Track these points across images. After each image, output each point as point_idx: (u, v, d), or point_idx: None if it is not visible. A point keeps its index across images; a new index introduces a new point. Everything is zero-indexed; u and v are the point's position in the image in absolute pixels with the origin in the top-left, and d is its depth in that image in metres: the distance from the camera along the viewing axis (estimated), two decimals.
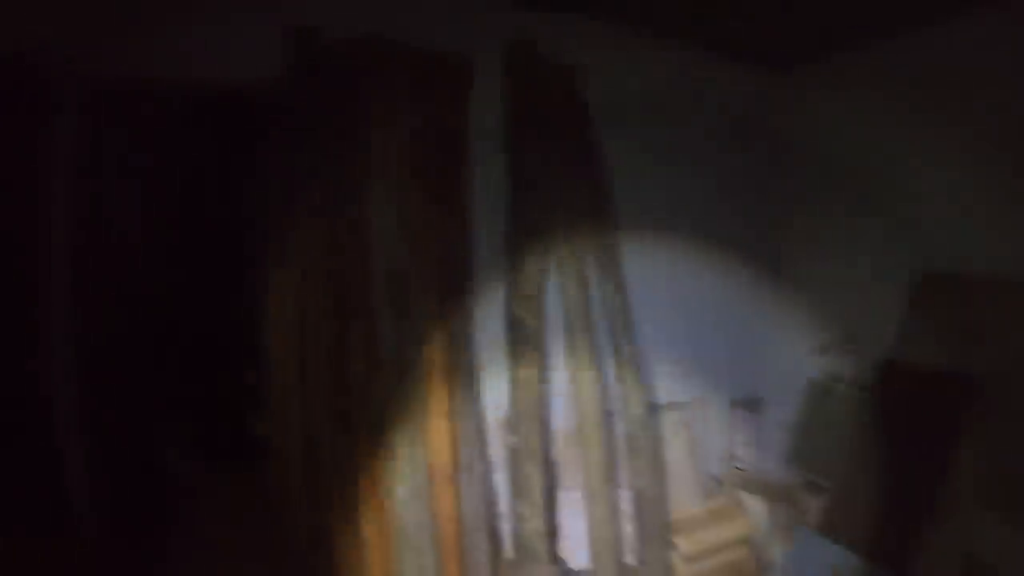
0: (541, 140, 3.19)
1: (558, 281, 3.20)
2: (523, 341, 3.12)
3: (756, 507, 3.62)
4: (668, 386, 3.65)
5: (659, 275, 3.68)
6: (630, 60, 3.58)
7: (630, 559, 3.26)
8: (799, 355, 3.98)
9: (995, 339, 3.05)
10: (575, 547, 3.22)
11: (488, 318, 3.11)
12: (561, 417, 3.24)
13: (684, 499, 3.56)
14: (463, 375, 2.98)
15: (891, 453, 3.15)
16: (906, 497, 3.01)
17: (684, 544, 3.32)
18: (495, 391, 3.10)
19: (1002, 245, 3.15)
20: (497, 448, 3.10)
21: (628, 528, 3.29)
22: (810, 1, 3.13)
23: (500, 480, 3.14)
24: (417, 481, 2.80)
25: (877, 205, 3.68)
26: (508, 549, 3.13)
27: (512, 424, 3.11)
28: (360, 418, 2.84)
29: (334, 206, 2.87)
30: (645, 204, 3.61)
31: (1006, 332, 3.03)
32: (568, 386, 3.22)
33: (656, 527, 3.29)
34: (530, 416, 3.11)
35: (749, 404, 4.02)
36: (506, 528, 3.14)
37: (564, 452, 3.23)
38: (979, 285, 3.18)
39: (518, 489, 3.11)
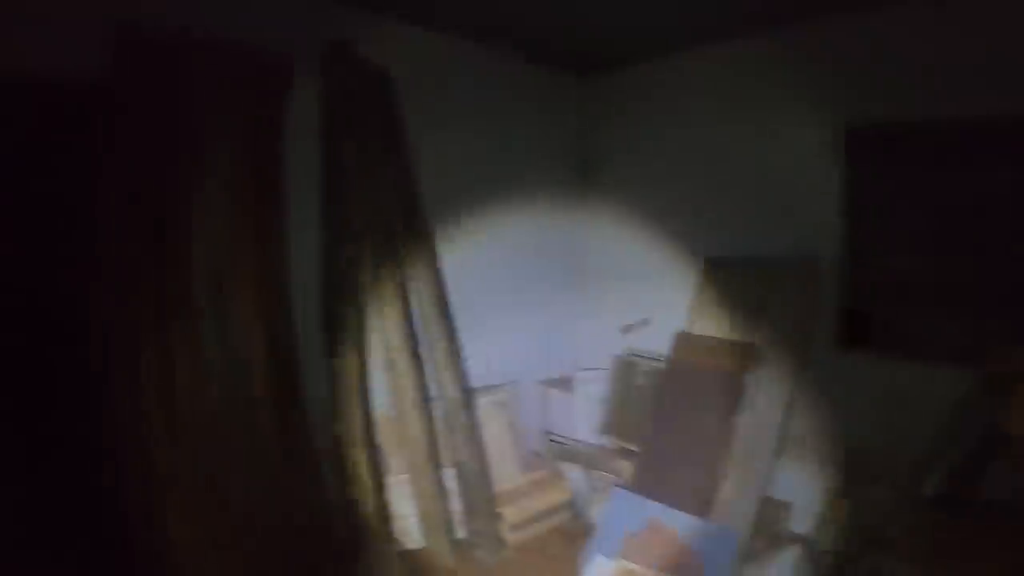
0: (355, 139, 3.27)
1: (373, 273, 3.29)
2: (341, 333, 3.18)
3: (574, 475, 3.88)
4: (485, 369, 3.85)
5: (474, 265, 3.90)
6: (447, 63, 3.79)
7: (461, 533, 3.39)
8: (607, 335, 4.33)
9: (769, 312, 3.53)
10: (408, 527, 3.32)
11: (307, 312, 3.15)
12: (383, 404, 3.34)
13: (507, 473, 3.76)
14: (285, 370, 3.01)
15: (687, 414, 3.53)
16: (703, 450, 3.38)
17: (509, 514, 3.52)
18: (317, 383, 3.13)
19: (779, 233, 3.67)
20: (325, 438, 3.13)
21: (456, 505, 3.42)
22: (613, 10, 3.44)
23: (330, 469, 3.17)
24: (249, 475, 2.81)
25: (670, 200, 4.15)
26: (344, 535, 3.16)
27: (336, 413, 3.16)
28: (189, 418, 2.79)
29: (154, 203, 2.80)
30: (459, 198, 3.85)
31: (778, 306, 3.52)
32: (387, 373, 3.33)
33: (481, 501, 3.49)
34: (352, 404, 3.18)
35: (561, 383, 4.29)
36: (341, 515, 3.17)
37: (387, 437, 3.32)
38: (756, 267, 3.68)
39: (348, 476, 3.16)
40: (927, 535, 2.66)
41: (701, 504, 3.24)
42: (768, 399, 3.35)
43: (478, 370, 3.74)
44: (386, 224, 3.34)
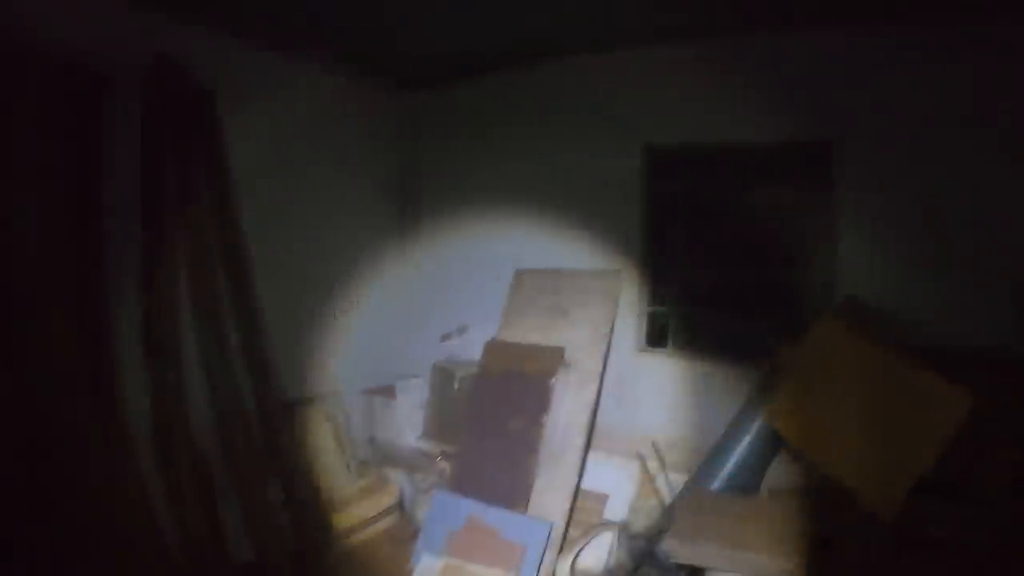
0: (175, 154, 3.28)
1: (191, 289, 3.32)
2: (159, 350, 3.18)
3: (400, 478, 4.12)
4: (308, 381, 4.02)
5: (296, 278, 4.04)
6: (271, 78, 3.89)
7: (292, 544, 3.51)
8: (428, 345, 4.61)
9: (575, 318, 3.95)
10: (240, 542, 3.37)
11: (127, 330, 3.14)
12: (206, 419, 3.35)
13: (335, 482, 3.92)
14: (104, 387, 3.00)
15: (498, 416, 3.85)
16: (515, 450, 3.73)
17: (339, 520, 3.68)
18: (138, 400, 3.13)
19: (585, 246, 4.11)
20: (147, 458, 3.12)
21: (283, 515, 3.54)
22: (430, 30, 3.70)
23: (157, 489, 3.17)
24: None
25: (486, 216, 4.48)
26: (177, 552, 3.17)
27: (157, 432, 3.16)
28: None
29: None
30: (280, 212, 3.95)
31: (583, 311, 3.95)
32: (206, 387, 3.35)
33: (310, 511, 3.59)
34: (174, 422, 3.20)
35: (385, 391, 4.48)
36: (171, 534, 3.17)
37: (212, 451, 3.35)
38: (562, 277, 4.10)
39: (174, 495, 3.17)
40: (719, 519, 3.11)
41: (517, 499, 3.59)
42: (575, 398, 3.76)
43: (303, 381, 3.87)
44: (204, 238, 3.37)
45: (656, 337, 4.14)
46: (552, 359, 3.81)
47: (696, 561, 2.74)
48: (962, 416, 2.59)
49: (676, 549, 2.74)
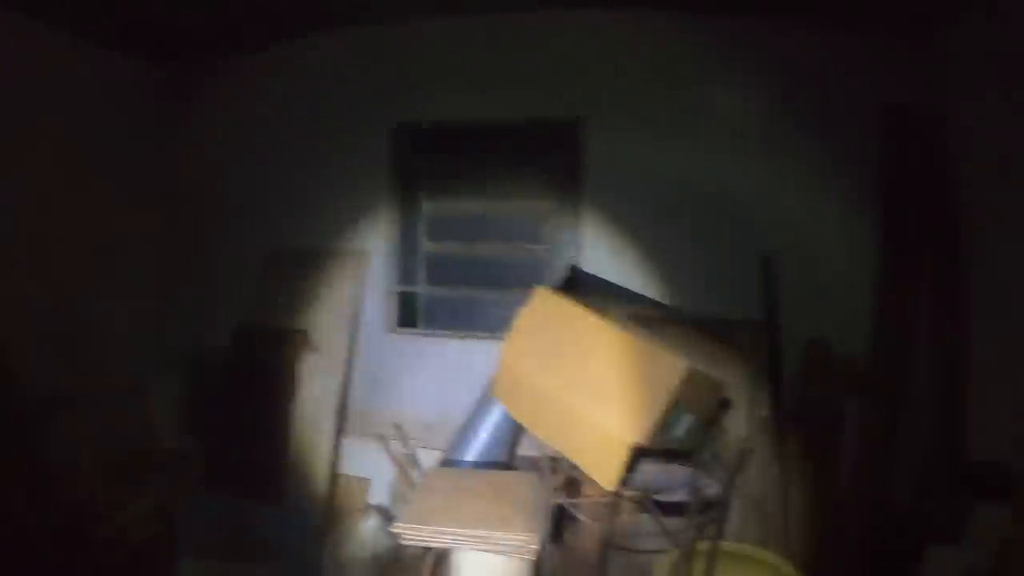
0: None
1: None
2: None
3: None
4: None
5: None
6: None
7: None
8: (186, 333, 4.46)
9: (321, 300, 3.91)
10: None
11: None
12: None
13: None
14: None
15: (246, 405, 3.75)
16: (264, 439, 3.65)
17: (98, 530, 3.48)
18: None
19: (332, 227, 4.11)
20: None
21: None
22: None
23: None
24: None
25: (238, 196, 4.44)
26: None
27: None
28: None
29: None
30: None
31: (329, 293, 3.96)
32: None
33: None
34: None
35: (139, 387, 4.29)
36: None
37: None
38: (309, 258, 4.12)
39: None
40: None
41: (270, 492, 3.53)
42: (324, 383, 3.70)
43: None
44: None
45: (408, 317, 4.15)
46: (298, 343, 3.74)
47: (429, 543, 2.75)
48: (675, 384, 2.63)
49: (405, 533, 2.73)
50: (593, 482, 2.61)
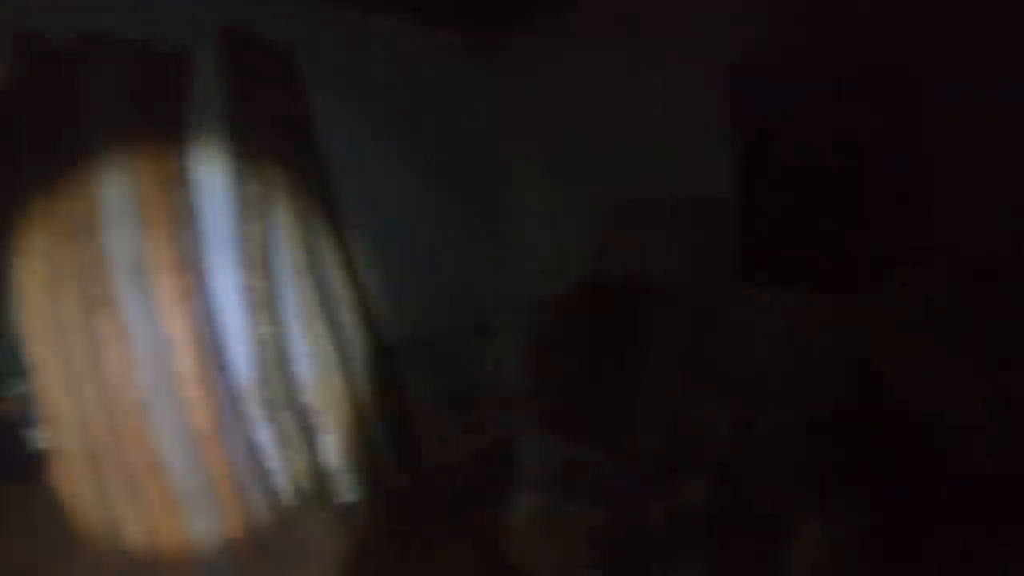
0: (258, 114, 3.50)
1: (285, 245, 3.55)
2: (258, 304, 3.44)
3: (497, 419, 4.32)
4: (405, 323, 4.10)
5: (387, 221, 4.13)
6: (344, 35, 3.99)
7: (397, 483, 3.76)
8: (520, 280, 4.69)
9: (667, 254, 3.96)
10: (346, 482, 3.65)
11: (223, 288, 3.40)
12: (306, 367, 3.59)
13: (433, 421, 4.14)
14: (208, 345, 3.28)
15: (597, 352, 3.98)
16: (614, 384, 3.89)
17: (439, 459, 3.91)
18: (241, 354, 3.41)
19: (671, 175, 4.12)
20: (254, 406, 3.43)
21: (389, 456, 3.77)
22: None
23: (265, 436, 3.48)
24: (186, 448, 3.16)
25: (573, 150, 4.53)
26: (287, 496, 3.50)
27: (262, 381, 3.45)
28: (125, 402, 3.11)
29: (68, 204, 3.04)
30: (364, 162, 4.05)
31: (675, 247, 3.96)
32: (306, 338, 3.58)
33: (412, 450, 3.85)
34: (276, 371, 3.48)
35: (483, 330, 4.64)
36: (281, 477, 3.49)
37: (316, 399, 3.61)
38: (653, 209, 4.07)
39: (281, 439, 3.48)
40: None
41: (610, 438, 3.79)
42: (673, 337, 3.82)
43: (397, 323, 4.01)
44: (294, 200, 3.57)
45: (755, 270, 3.79)
46: (644, 294, 3.87)
47: None
48: None
49: None
50: None
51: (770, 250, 3.79)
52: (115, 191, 3.13)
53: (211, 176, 3.40)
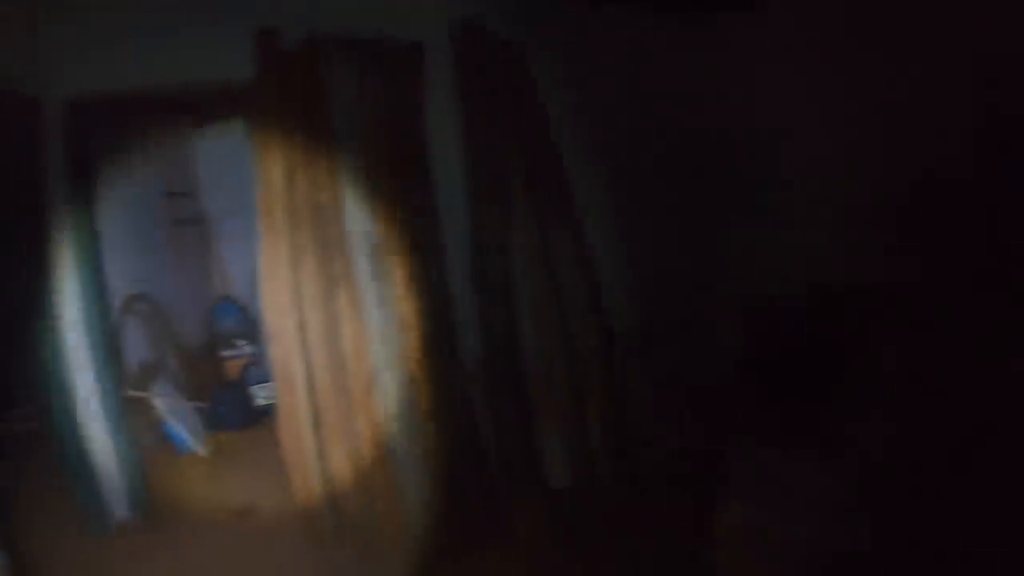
0: (493, 107, 3.49)
1: (518, 234, 3.51)
2: (489, 290, 3.47)
3: None
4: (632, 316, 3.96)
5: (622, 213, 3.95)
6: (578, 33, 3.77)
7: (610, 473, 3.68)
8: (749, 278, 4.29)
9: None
10: (558, 468, 3.61)
11: (457, 277, 3.46)
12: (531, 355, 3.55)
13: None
14: (437, 327, 3.35)
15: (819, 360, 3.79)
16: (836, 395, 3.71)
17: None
18: (471, 340, 3.46)
19: None
20: (478, 392, 3.48)
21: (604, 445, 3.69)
22: None
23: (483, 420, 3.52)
24: (411, 428, 3.27)
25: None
26: (499, 480, 3.53)
27: (486, 366, 3.48)
28: (356, 380, 3.23)
29: (311, 191, 3.24)
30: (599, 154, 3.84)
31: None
32: (534, 326, 3.54)
33: (629, 441, 3.75)
34: (502, 357, 3.49)
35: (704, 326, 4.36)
36: (493, 462, 3.53)
37: (537, 387, 3.56)
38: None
39: (499, 424, 3.51)
40: None
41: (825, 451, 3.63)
42: None
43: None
44: (529, 189, 3.52)
45: None
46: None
47: None
48: None
49: None
50: None
51: None
52: (354, 178, 3.27)
53: (446, 165, 3.45)
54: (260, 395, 4.98)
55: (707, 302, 3.90)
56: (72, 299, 3.65)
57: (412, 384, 3.25)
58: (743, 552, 3.17)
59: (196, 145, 6.34)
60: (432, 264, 3.38)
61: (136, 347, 4.82)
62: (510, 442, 3.54)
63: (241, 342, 5.39)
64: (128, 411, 4.09)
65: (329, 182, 3.26)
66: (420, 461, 3.30)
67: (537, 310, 3.50)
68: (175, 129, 5.88)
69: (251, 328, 5.51)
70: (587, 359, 3.65)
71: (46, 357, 3.65)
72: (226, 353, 5.38)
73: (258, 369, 5.14)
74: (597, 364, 3.68)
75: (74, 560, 3.56)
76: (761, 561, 3.13)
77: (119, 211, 4.68)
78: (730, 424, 3.92)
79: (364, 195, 3.27)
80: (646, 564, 3.19)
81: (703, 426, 3.91)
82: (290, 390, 3.32)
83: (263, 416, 4.88)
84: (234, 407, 4.94)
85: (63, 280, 3.63)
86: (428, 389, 3.28)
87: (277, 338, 3.33)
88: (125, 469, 3.85)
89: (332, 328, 3.24)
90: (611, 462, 3.70)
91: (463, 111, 3.48)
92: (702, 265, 3.89)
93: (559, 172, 3.63)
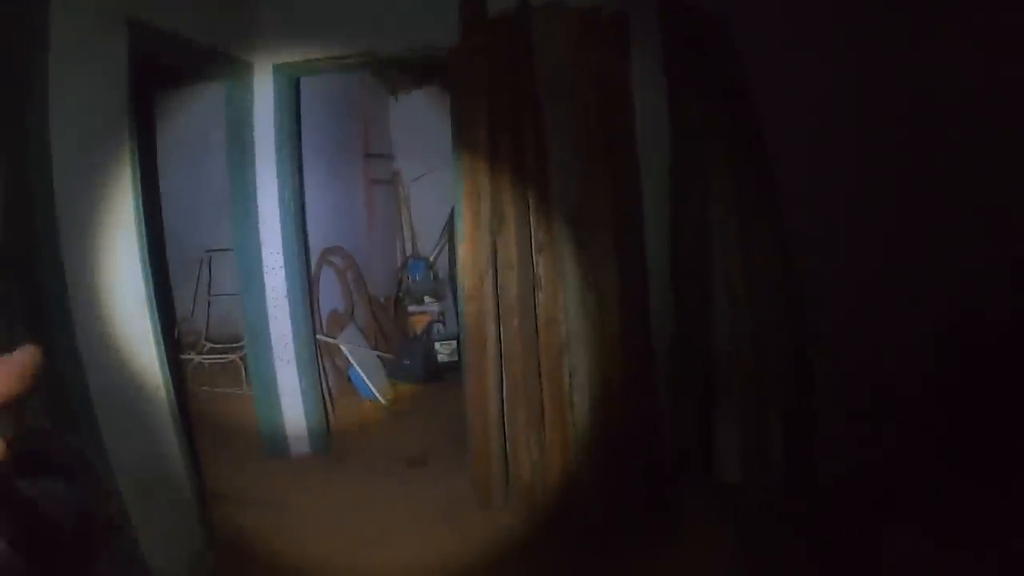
0: (697, 81, 3.40)
1: (717, 214, 3.38)
2: (685, 270, 3.40)
3: None
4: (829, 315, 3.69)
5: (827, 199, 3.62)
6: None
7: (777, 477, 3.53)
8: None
9: None
10: (728, 463, 3.52)
11: (656, 250, 3.41)
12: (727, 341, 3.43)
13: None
14: (635, 302, 3.33)
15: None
16: None
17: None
18: (663, 316, 3.41)
19: None
20: (664, 367, 3.44)
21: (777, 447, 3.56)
22: None
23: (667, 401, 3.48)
24: (594, 403, 3.26)
25: None
26: (668, 459, 3.50)
27: (676, 347, 3.43)
28: (548, 342, 3.26)
29: (515, 156, 3.28)
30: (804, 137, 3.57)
31: None
32: (729, 312, 3.42)
33: (801, 448, 3.59)
34: (696, 339, 3.42)
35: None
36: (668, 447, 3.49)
37: (725, 375, 3.47)
38: None
39: (679, 405, 3.48)
40: None
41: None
42: None
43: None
44: (730, 169, 3.42)
45: None
46: None
47: None
48: None
49: None
50: None
51: None
52: (562, 145, 3.27)
53: (647, 140, 3.41)
54: (442, 352, 5.15)
55: (910, 309, 3.63)
56: (275, 248, 3.88)
57: (601, 358, 3.23)
58: None
59: (392, 109, 6.65)
60: (633, 237, 3.36)
61: (329, 296, 5.07)
62: (687, 429, 3.49)
63: (428, 299, 5.60)
64: (317, 355, 4.34)
65: (534, 147, 3.29)
66: (598, 437, 3.29)
67: (732, 296, 3.40)
68: (374, 94, 6.15)
69: (438, 286, 5.75)
70: (778, 353, 3.51)
71: (248, 299, 3.92)
72: (413, 309, 5.60)
73: (443, 326, 5.31)
74: (788, 360, 3.53)
75: (255, 484, 3.86)
76: None
77: (322, 171, 4.94)
78: (918, 446, 3.71)
79: (569, 162, 3.26)
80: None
81: (890, 444, 3.70)
82: (480, 351, 3.40)
83: (444, 372, 5.07)
84: (417, 361, 5.15)
85: (268, 231, 3.87)
86: (616, 365, 3.25)
87: (472, 299, 3.41)
88: (308, 408, 4.06)
89: (528, 294, 3.28)
90: (786, 466, 3.54)
91: (668, 84, 3.41)
92: (909, 267, 3.59)
93: (761, 155, 3.50)
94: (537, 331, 3.29)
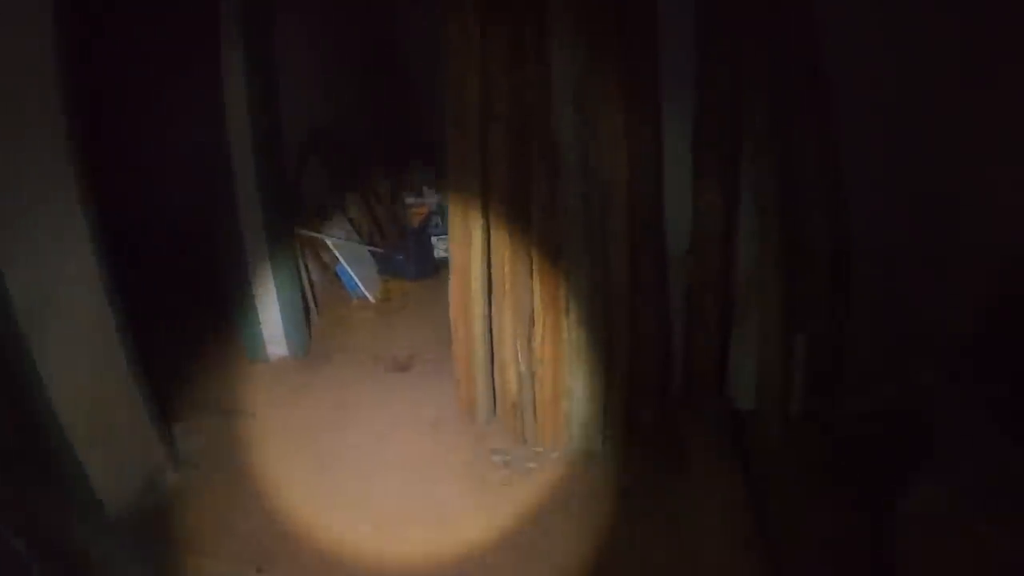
0: None
1: (751, 117, 2.87)
2: (708, 169, 2.90)
3: None
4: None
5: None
6: None
7: (795, 407, 3.17)
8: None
9: None
10: (743, 388, 3.16)
11: (675, 142, 2.90)
12: (742, 256, 3.01)
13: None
14: (646, 198, 2.87)
15: None
16: None
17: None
18: (678, 216, 2.96)
19: None
20: (677, 277, 3.04)
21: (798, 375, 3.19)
22: None
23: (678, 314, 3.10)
24: (594, 302, 2.83)
25: None
26: (677, 380, 3.16)
27: (693, 255, 2.98)
28: (542, 238, 2.81)
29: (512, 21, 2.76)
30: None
31: None
32: (755, 221, 2.95)
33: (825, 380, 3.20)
34: (712, 249, 2.96)
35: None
36: (678, 360, 3.15)
37: (742, 289, 3.05)
38: None
39: (694, 320, 3.05)
40: None
41: None
42: None
43: None
44: (774, 70, 2.86)
45: None
46: None
47: None
48: None
49: None
50: None
51: None
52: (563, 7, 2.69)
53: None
54: (440, 247, 4.78)
55: (959, 242, 3.16)
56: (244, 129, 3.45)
57: (605, 260, 2.82)
58: (934, 548, 2.56)
59: None
60: (647, 121, 2.84)
61: (316, 185, 4.69)
62: (700, 348, 3.11)
63: (429, 190, 5.18)
64: (298, 251, 3.99)
65: (532, 14, 2.74)
66: (597, 348, 2.89)
67: (761, 200, 2.92)
68: None
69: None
70: (810, 272, 3.07)
71: (213, 186, 3.51)
72: (411, 200, 5.19)
73: (441, 220, 4.91)
74: (820, 280, 3.09)
75: (233, 387, 3.63)
76: (957, 560, 2.50)
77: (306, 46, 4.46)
78: (958, 395, 3.23)
79: (572, 28, 2.70)
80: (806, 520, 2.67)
81: (926, 388, 3.24)
82: (464, 248, 3.01)
83: (440, 269, 4.70)
84: (411, 256, 4.79)
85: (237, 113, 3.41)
86: (622, 270, 2.84)
87: (458, 193, 2.99)
88: (285, 307, 3.73)
89: (519, 184, 2.84)
90: (804, 398, 3.15)
91: None
92: (962, 201, 3.12)
93: (807, 37, 2.93)
94: (528, 230, 2.85)
